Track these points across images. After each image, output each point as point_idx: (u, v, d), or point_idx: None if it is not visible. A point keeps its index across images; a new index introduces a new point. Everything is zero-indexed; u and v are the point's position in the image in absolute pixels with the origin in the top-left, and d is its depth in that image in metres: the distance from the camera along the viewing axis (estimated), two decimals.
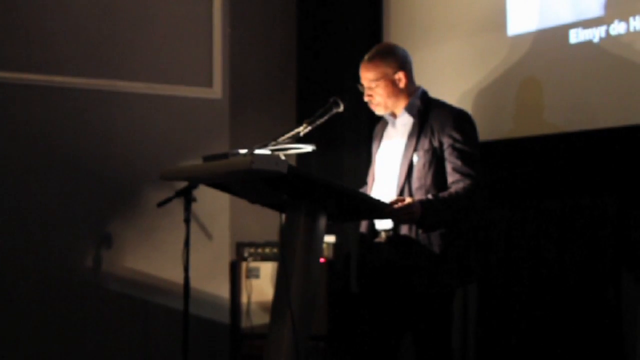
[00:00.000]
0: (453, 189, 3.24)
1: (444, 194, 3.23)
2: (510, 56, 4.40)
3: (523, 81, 4.32)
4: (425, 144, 3.31)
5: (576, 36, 4.09)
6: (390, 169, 3.41)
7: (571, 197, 4.08)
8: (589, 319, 3.95)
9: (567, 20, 4.13)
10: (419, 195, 3.25)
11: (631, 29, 3.88)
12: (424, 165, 3.29)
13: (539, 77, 4.26)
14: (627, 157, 3.86)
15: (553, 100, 4.20)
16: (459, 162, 3.25)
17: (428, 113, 3.36)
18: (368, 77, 3.42)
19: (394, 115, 3.47)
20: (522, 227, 4.25)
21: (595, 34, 4.01)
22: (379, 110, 3.45)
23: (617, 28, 3.93)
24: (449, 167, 3.27)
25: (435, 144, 3.30)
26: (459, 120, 3.33)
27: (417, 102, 3.41)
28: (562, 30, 4.15)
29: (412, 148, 3.33)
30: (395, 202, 3.14)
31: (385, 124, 3.56)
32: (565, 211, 4.10)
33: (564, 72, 4.14)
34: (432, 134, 3.31)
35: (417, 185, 3.29)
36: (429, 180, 3.28)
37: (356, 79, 3.51)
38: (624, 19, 3.90)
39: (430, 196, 3.22)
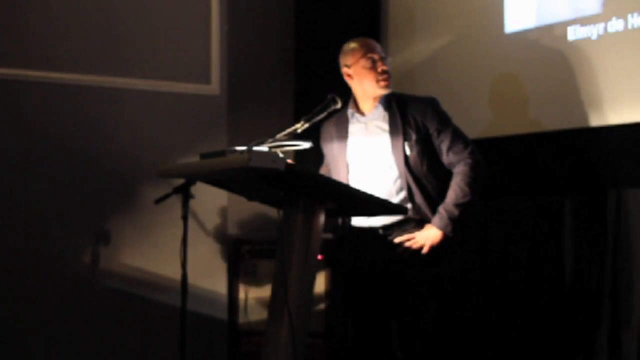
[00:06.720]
0: (455, 179, 3.39)
1: (451, 194, 3.37)
2: (508, 54, 4.40)
3: (521, 78, 4.32)
4: (411, 135, 3.43)
5: (574, 33, 4.09)
6: (379, 162, 3.46)
7: (569, 194, 4.09)
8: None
9: (565, 17, 4.13)
10: (417, 185, 3.38)
11: (629, 26, 3.88)
12: (417, 154, 3.42)
13: (537, 74, 4.26)
14: (626, 155, 3.86)
15: (551, 97, 4.20)
16: (448, 142, 3.44)
17: (405, 106, 3.47)
18: (381, 50, 3.52)
19: (359, 111, 3.50)
20: (521, 222, 4.26)
21: (593, 32, 4.01)
22: (388, 88, 3.48)
23: (615, 25, 3.93)
24: (443, 148, 3.45)
25: (421, 133, 3.44)
26: (433, 105, 3.51)
27: (391, 97, 3.50)
28: (560, 28, 4.15)
29: (400, 139, 3.43)
30: (411, 239, 3.37)
31: (340, 121, 3.59)
32: (563, 207, 4.11)
33: (562, 70, 4.14)
34: (416, 125, 3.44)
35: (414, 173, 3.41)
36: (424, 168, 3.43)
37: None
38: (622, 16, 3.90)
39: (440, 210, 3.36)
